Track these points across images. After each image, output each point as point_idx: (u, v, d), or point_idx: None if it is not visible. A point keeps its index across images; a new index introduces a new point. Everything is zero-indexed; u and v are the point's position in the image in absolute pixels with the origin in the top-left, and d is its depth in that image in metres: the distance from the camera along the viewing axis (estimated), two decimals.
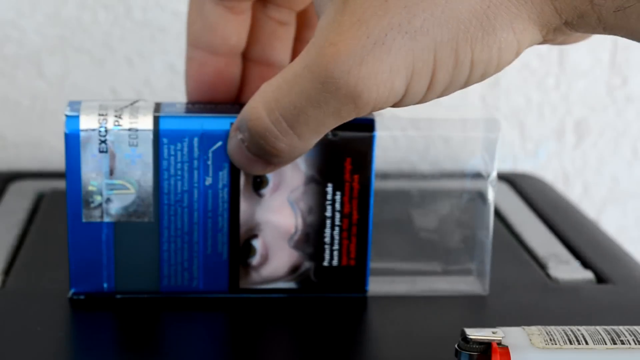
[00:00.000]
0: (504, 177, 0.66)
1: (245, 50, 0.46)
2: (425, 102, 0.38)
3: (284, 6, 0.45)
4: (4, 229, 0.53)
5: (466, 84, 0.37)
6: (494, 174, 0.46)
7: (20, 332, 0.42)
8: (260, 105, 0.39)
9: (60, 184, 0.60)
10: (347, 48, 0.36)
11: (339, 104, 0.37)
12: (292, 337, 0.44)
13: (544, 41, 0.38)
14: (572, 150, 0.72)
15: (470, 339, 0.36)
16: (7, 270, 0.48)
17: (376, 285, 0.47)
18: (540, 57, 0.70)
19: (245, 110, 0.40)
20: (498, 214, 0.58)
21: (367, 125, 0.44)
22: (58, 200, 0.58)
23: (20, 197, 0.59)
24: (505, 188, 0.64)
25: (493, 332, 0.36)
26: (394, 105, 0.37)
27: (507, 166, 0.72)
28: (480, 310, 0.46)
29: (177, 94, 0.62)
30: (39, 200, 0.59)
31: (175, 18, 0.67)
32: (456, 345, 0.37)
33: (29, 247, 0.51)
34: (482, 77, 0.37)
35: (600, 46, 0.70)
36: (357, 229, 0.45)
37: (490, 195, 0.47)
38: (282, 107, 0.38)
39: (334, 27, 0.36)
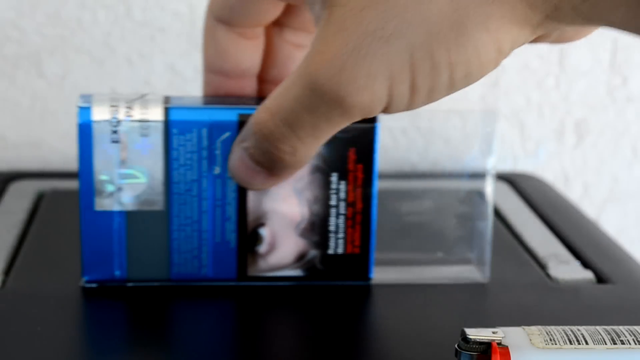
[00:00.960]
0: (504, 177, 0.66)
1: (262, 72, 0.48)
2: (416, 107, 0.39)
3: (301, 29, 0.47)
4: (4, 229, 0.54)
5: (451, 86, 0.38)
6: (492, 165, 0.48)
7: (21, 333, 0.42)
8: (263, 110, 0.41)
9: (60, 184, 0.61)
10: (330, 56, 0.38)
11: (328, 109, 0.39)
12: (298, 324, 0.46)
13: (537, 39, 0.38)
14: (572, 150, 0.73)
15: (470, 339, 0.36)
16: (7, 270, 0.49)
17: (380, 273, 0.48)
18: (540, 57, 0.70)
19: (251, 118, 0.42)
20: (498, 214, 0.59)
21: None
22: (58, 200, 0.58)
23: (20, 197, 0.59)
24: (505, 188, 0.64)
25: (493, 332, 0.37)
26: (385, 111, 0.39)
27: (507, 166, 0.72)
28: (478, 297, 0.48)
29: (177, 94, 0.62)
30: (39, 200, 0.59)
31: (175, 18, 0.67)
32: (456, 345, 0.37)
33: (29, 247, 0.51)
34: (467, 79, 0.38)
35: (600, 46, 0.71)
36: (361, 218, 0.47)
37: (489, 186, 0.48)
38: (283, 111, 0.40)
39: (321, 37, 0.39)
